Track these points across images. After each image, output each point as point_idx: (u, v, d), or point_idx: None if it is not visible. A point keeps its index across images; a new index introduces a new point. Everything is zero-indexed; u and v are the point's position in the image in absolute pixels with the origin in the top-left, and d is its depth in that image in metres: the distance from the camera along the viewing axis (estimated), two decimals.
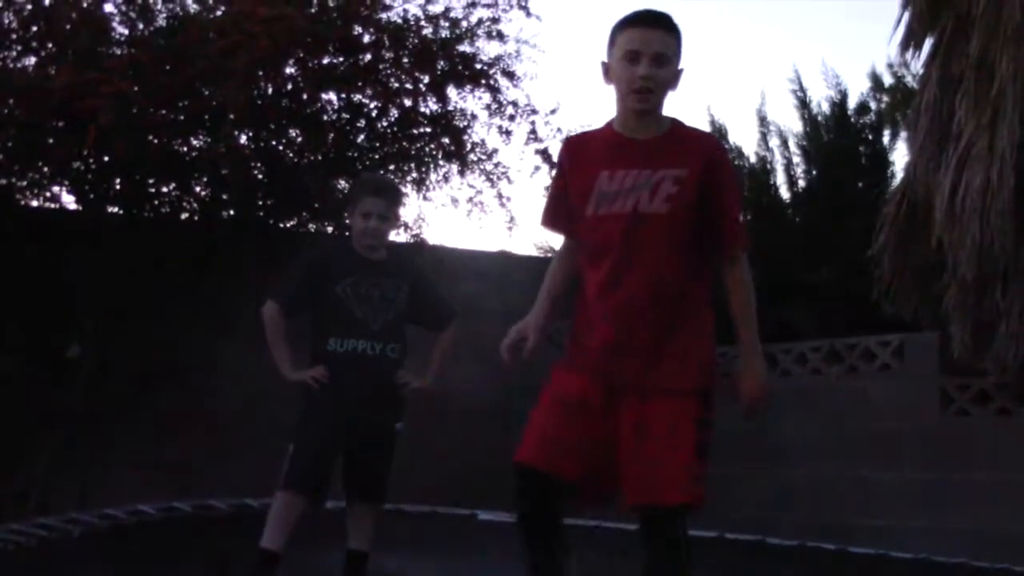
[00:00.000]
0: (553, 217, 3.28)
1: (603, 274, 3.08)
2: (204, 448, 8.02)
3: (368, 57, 8.04)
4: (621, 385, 3.06)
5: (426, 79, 8.21)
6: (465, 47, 8.33)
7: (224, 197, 8.34)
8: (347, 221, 8.44)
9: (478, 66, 8.35)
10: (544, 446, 3.02)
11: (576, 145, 3.23)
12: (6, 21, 7.25)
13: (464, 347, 8.27)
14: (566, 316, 3.25)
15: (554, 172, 3.30)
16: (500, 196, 8.81)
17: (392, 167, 8.72)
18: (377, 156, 8.62)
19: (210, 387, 8.26)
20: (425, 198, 8.98)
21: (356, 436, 4.76)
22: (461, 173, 8.81)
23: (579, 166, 3.13)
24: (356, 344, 4.72)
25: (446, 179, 8.91)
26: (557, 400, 3.09)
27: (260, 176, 8.25)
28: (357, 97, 8.26)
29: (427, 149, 8.75)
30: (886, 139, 10.51)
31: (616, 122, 3.12)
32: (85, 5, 7.24)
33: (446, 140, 8.54)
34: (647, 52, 2.99)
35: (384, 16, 8.03)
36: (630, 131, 3.08)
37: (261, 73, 7.43)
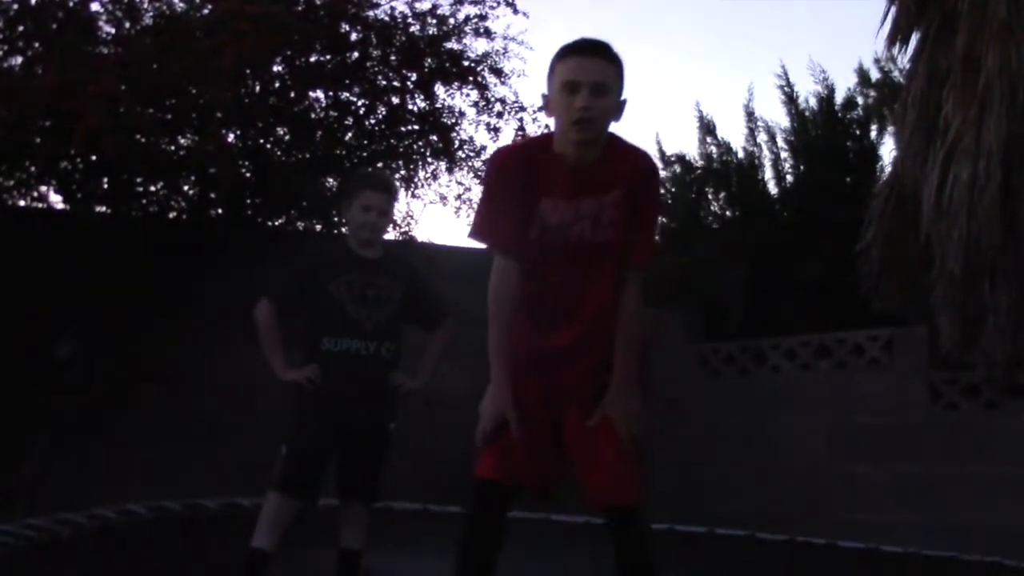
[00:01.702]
0: (512, 234, 3.05)
1: (551, 298, 3.09)
2: (194, 447, 8.01)
3: (356, 55, 8.04)
4: (568, 393, 3.10)
5: (414, 76, 8.21)
6: (452, 44, 8.33)
7: (212, 196, 8.33)
8: (336, 218, 8.48)
9: (466, 63, 8.35)
10: (504, 458, 3.05)
11: (519, 160, 3.06)
12: None
13: (452, 345, 8.24)
14: None
15: (502, 183, 3.04)
16: None
17: (380, 165, 8.71)
18: (365, 154, 8.62)
19: (200, 386, 8.25)
20: (414, 195, 8.99)
21: (350, 436, 4.76)
22: (449, 170, 8.82)
23: (523, 185, 3.03)
24: (350, 344, 4.70)
25: (435, 176, 8.92)
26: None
27: (248, 174, 8.24)
28: (345, 95, 8.26)
29: (415, 146, 8.75)
30: (873, 134, 10.54)
31: (557, 145, 3.03)
32: (71, 4, 7.21)
33: (434, 137, 8.54)
34: (586, 82, 2.92)
35: (371, 14, 8.01)
36: (571, 158, 3.00)
37: (248, 71, 7.42)
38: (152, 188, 8.33)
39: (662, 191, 11.11)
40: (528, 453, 3.05)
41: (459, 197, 8.86)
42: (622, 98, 3.02)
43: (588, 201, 2.99)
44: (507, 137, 8.72)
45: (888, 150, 11.04)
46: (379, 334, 4.74)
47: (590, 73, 2.94)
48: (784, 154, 10.67)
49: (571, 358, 3.08)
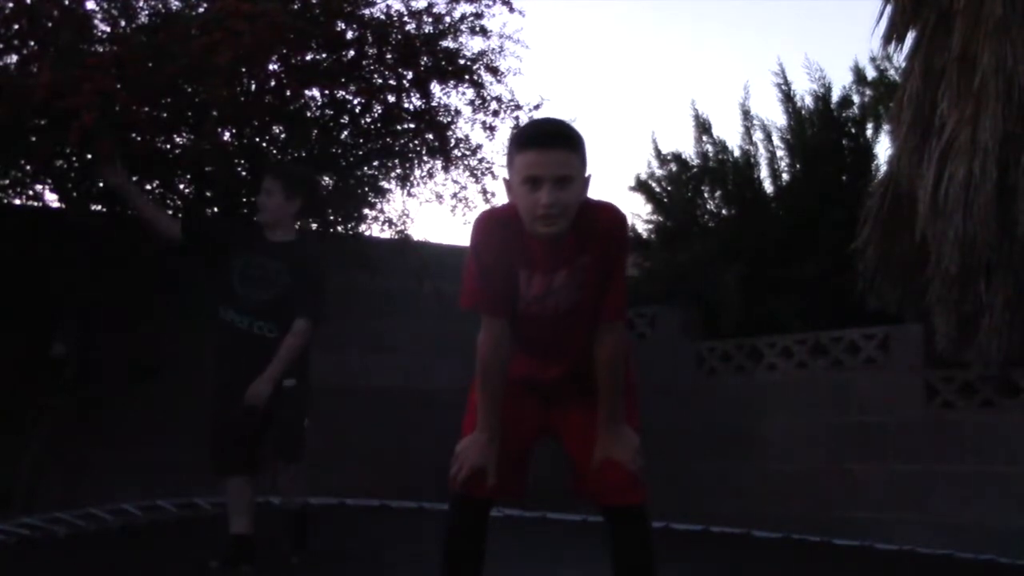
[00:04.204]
0: (503, 298, 3.04)
1: (532, 348, 3.14)
2: (189, 447, 7.99)
3: (351, 53, 8.01)
4: (562, 400, 3.18)
5: (410, 75, 8.18)
6: (448, 43, 8.30)
7: (208, 194, 8.31)
8: (331, 216, 8.48)
9: (461, 62, 8.32)
10: (479, 474, 3.06)
11: (502, 227, 3.01)
12: None
13: (448, 343, 8.29)
14: None
15: (489, 247, 3.00)
16: (485, 192, 8.80)
17: (376, 163, 8.70)
18: (361, 152, 8.60)
19: (195, 385, 8.21)
20: (409, 194, 8.96)
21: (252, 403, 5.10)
22: (445, 169, 8.79)
23: (507, 250, 3.01)
24: (233, 316, 5.15)
25: (430, 175, 8.89)
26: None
27: (244, 173, 8.21)
28: (340, 93, 8.23)
29: (411, 145, 8.72)
30: (869, 132, 10.53)
31: (525, 222, 2.95)
32: (67, 2, 7.19)
33: (430, 136, 8.51)
34: (548, 177, 2.82)
35: (367, 12, 7.99)
36: (540, 234, 2.93)
37: (244, 70, 7.39)
38: (147, 187, 8.29)
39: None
40: (499, 470, 3.08)
41: (455, 195, 8.84)
42: (586, 175, 2.94)
43: (562, 273, 2.98)
44: (503, 135, 8.70)
45: (884, 148, 11.04)
46: (254, 312, 5.15)
47: (552, 168, 2.84)
48: (780, 152, 10.67)
49: (562, 383, 3.15)
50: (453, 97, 8.58)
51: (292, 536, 5.29)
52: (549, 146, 2.86)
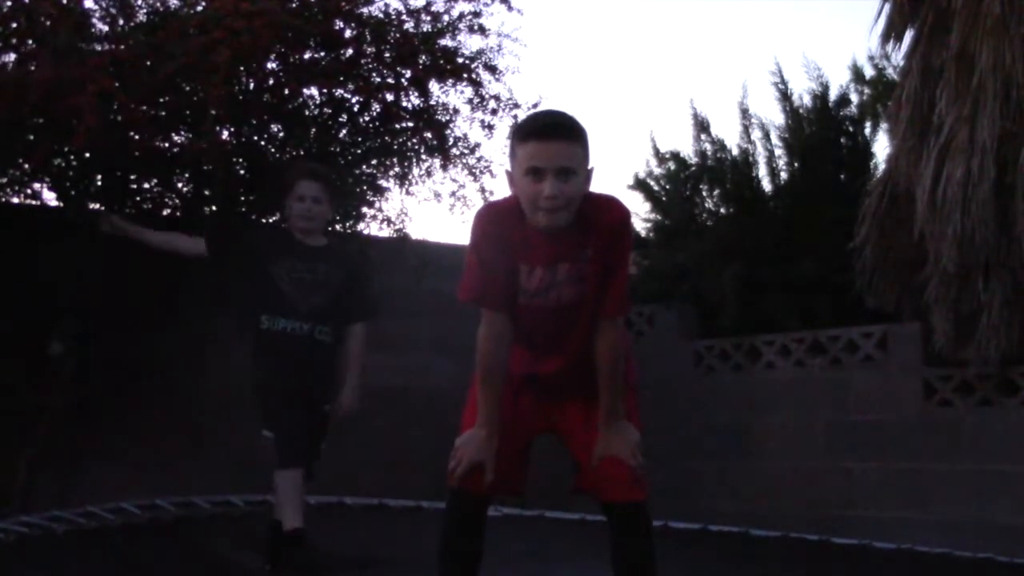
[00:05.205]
0: (502, 293, 3.04)
1: (531, 350, 3.14)
2: (188, 446, 8.00)
3: (350, 52, 8.01)
4: (562, 398, 3.20)
5: (408, 74, 8.18)
6: (447, 41, 8.30)
7: (206, 193, 8.30)
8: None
9: (460, 60, 8.32)
10: (477, 469, 3.07)
11: (502, 220, 3.01)
12: None
13: (447, 341, 8.28)
14: None
15: (489, 241, 3.00)
16: (483, 190, 8.80)
17: (374, 162, 8.69)
18: (359, 151, 8.59)
19: (193, 385, 8.24)
20: (408, 193, 8.96)
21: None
22: (444, 167, 8.78)
23: (507, 244, 3.01)
24: (286, 324, 5.00)
25: (429, 173, 8.89)
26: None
27: (242, 172, 8.21)
28: (339, 92, 8.23)
29: (409, 143, 8.72)
30: (868, 131, 10.54)
31: (527, 214, 2.96)
32: (64, 1, 7.19)
33: (428, 134, 8.51)
34: (550, 168, 2.82)
35: (365, 11, 7.99)
36: (543, 228, 2.94)
37: (242, 68, 7.39)
38: (146, 185, 8.29)
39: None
40: (498, 466, 3.09)
41: (453, 194, 8.84)
42: (589, 167, 2.94)
43: (564, 266, 2.97)
44: (501, 134, 8.70)
45: (882, 147, 11.07)
46: (313, 317, 5.07)
47: (554, 159, 2.83)
48: (778, 151, 10.67)
49: (561, 377, 3.14)
50: (451, 96, 8.58)
51: (273, 545, 5.22)
52: (552, 137, 2.86)
